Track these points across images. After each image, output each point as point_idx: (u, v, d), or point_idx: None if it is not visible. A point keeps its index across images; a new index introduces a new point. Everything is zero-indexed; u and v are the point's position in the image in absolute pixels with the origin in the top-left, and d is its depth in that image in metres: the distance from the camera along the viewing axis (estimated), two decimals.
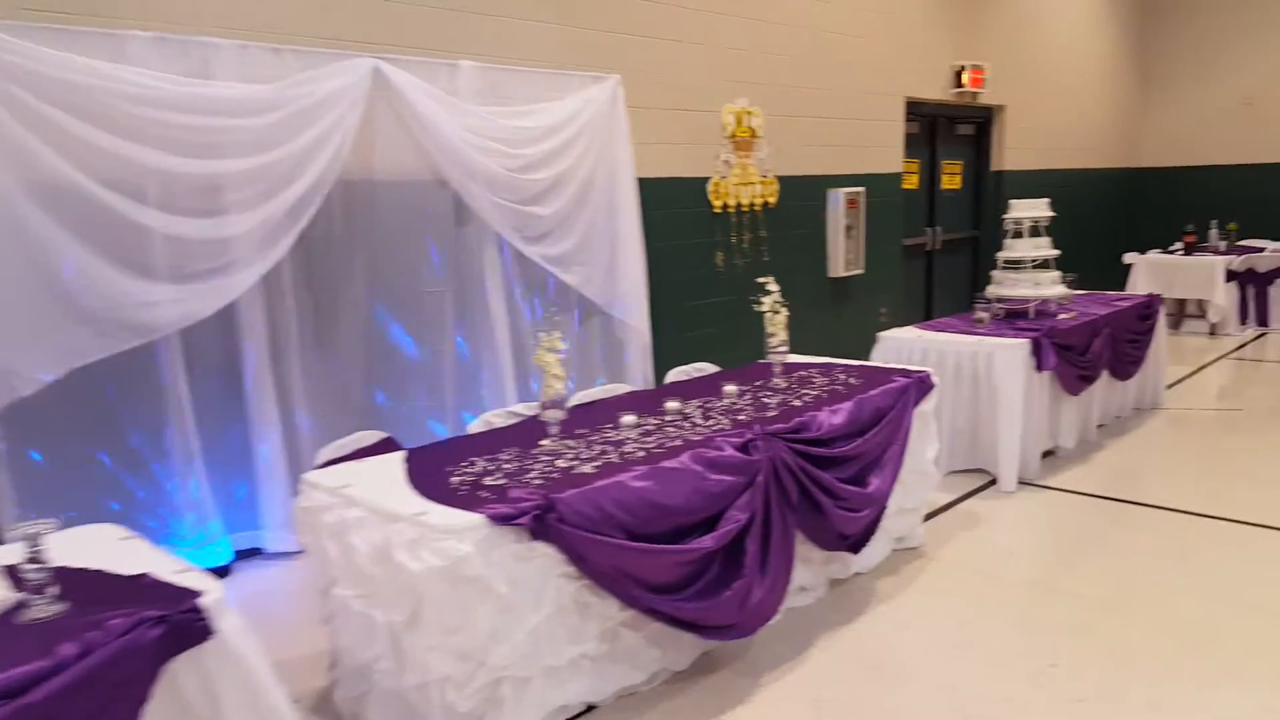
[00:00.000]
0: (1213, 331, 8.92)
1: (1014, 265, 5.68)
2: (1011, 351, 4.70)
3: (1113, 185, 11.72)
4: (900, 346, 5.07)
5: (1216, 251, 9.34)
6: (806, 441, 3.28)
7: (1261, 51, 11.20)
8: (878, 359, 5.13)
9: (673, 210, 5.99)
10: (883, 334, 5.18)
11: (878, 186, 7.64)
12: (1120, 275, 9.41)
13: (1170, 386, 6.92)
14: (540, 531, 2.38)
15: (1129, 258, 9.28)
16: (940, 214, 8.89)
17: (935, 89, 8.26)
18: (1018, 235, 5.66)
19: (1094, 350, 5.31)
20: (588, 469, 2.75)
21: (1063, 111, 10.29)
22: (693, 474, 2.79)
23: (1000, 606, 3.50)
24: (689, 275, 6.15)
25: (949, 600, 3.57)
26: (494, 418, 3.61)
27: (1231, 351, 8.25)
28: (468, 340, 4.79)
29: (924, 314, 8.81)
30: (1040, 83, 9.78)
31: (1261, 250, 9.51)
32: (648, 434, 3.17)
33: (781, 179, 6.73)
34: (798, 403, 3.58)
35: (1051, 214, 5.66)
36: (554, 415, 3.01)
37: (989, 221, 9.32)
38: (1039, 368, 4.82)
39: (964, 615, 3.44)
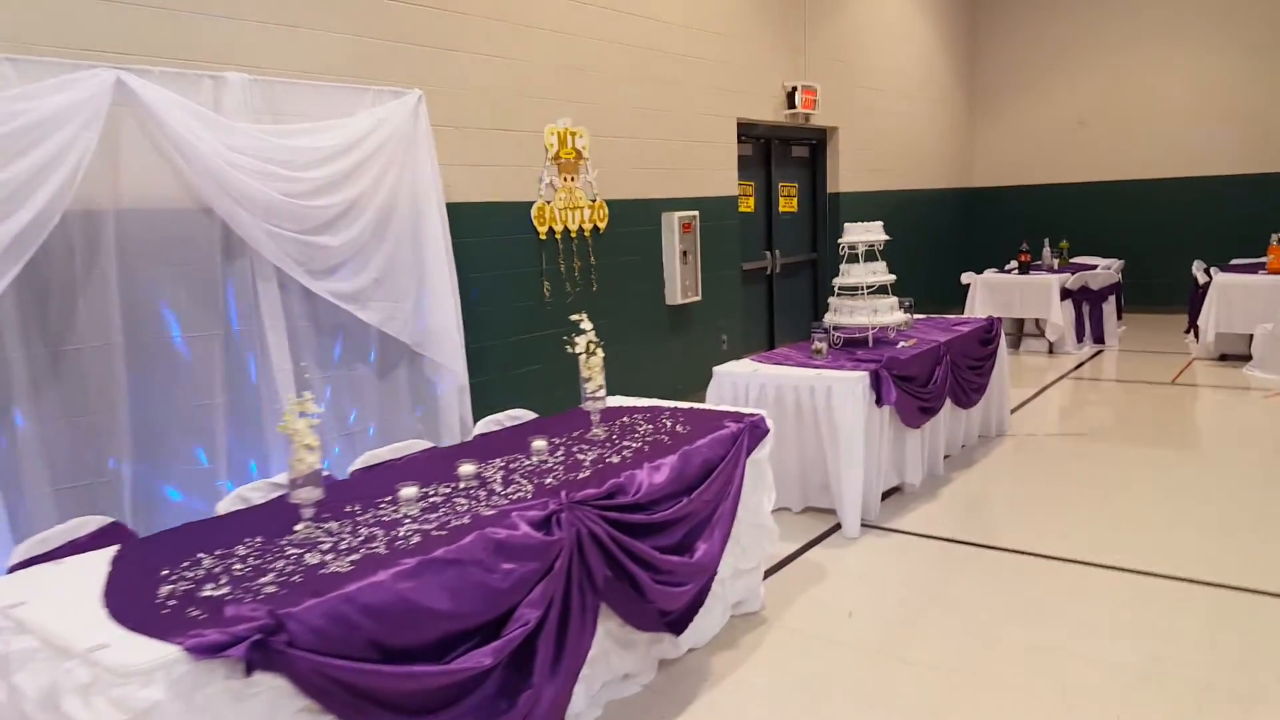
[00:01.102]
0: (1051, 350, 9.26)
1: (850, 291, 5.59)
2: (849, 385, 4.54)
3: (948, 205, 12.16)
4: (736, 381, 4.85)
5: (1050, 269, 9.74)
6: (622, 508, 2.94)
7: (1088, 72, 11.91)
8: (714, 395, 4.89)
9: (493, 237, 5.61)
10: (718, 369, 4.94)
11: (713, 210, 7.51)
12: (959, 295, 9.67)
13: (1014, 410, 7.03)
14: (262, 661, 1.91)
15: (966, 278, 9.55)
16: (779, 237, 8.88)
17: (768, 110, 8.24)
18: (853, 260, 5.56)
19: (936, 380, 5.25)
20: (342, 565, 2.30)
21: (895, 132, 10.57)
22: (475, 565, 2.39)
23: (848, 684, 3.25)
24: (513, 307, 5.77)
25: (792, 677, 3.30)
26: (251, 492, 3.10)
27: (1071, 371, 8.55)
28: (241, 392, 4.22)
29: (767, 338, 8.75)
30: (871, 104, 10.00)
31: (1094, 268, 9.99)
32: (431, 509, 2.75)
33: (611, 203, 6.47)
34: (616, 459, 3.24)
35: (886, 237, 5.60)
36: (307, 495, 2.54)
37: (828, 244, 9.39)
38: (879, 402, 4.69)
39: (809, 695, 3.17)
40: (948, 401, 5.51)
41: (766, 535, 3.78)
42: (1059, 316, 9.10)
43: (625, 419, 3.80)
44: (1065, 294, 9.25)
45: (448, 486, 2.98)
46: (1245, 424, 6.55)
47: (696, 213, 7.19)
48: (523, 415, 4.08)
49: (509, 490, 2.92)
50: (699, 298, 7.25)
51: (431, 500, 2.82)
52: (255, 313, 4.20)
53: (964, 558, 4.33)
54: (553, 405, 6.00)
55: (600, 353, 3.55)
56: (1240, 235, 10.69)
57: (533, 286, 5.91)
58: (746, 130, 8.13)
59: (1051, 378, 8.27)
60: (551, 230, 5.99)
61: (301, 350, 4.39)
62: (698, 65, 7.31)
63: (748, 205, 8.44)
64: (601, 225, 6.39)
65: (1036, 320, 9.40)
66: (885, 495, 5.07)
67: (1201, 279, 8.93)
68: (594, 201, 6.31)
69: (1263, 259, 9.08)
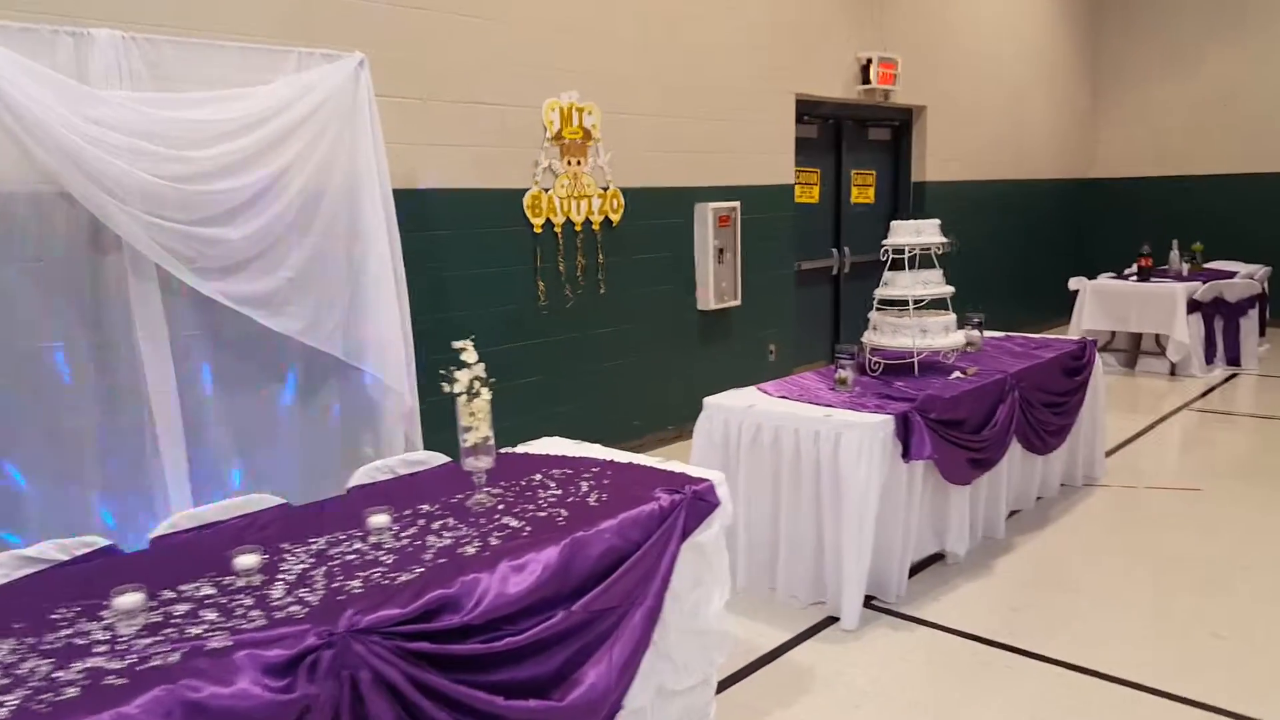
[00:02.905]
0: (1173, 372, 7.78)
1: (895, 305, 4.47)
2: (866, 434, 3.47)
3: (1062, 199, 10.63)
4: (729, 418, 3.84)
5: (1178, 276, 8.22)
6: (442, 634, 2.03)
7: (1236, 42, 10.15)
8: (701, 433, 3.92)
9: (472, 230, 4.76)
10: (710, 400, 3.94)
11: (762, 200, 6.45)
12: (1071, 304, 8.25)
13: (1115, 451, 5.74)
14: None
15: (1075, 283, 8.13)
16: (849, 233, 7.72)
17: (836, 85, 7.09)
18: (898, 266, 4.44)
19: (996, 423, 4.10)
20: None
21: (996, 113, 9.17)
22: None
23: None
24: (498, 312, 4.92)
25: None
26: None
27: (1195, 399, 7.10)
28: (111, 416, 3.50)
29: (829, 349, 7.62)
30: (967, 80, 8.66)
31: (1231, 275, 8.40)
32: (145, 632, 1.90)
33: (629, 191, 5.52)
34: (474, 548, 2.33)
35: (942, 239, 4.45)
36: None
37: None
38: (908, 456, 3.60)
39: None
40: (1014, 447, 4.35)
41: (715, 643, 2.79)
42: (1184, 333, 7.61)
43: (535, 477, 2.87)
44: (1194, 306, 7.74)
45: (211, 586, 2.13)
46: None
47: (738, 204, 6.16)
48: (427, 460, 3.20)
49: (288, 600, 2.05)
50: (738, 302, 6.22)
51: (148, 620, 1.96)
52: (127, 320, 3.47)
53: (1003, 669, 3.22)
54: (552, 427, 5.13)
55: (487, 394, 2.64)
56: None
57: (523, 288, 5.04)
58: (810, 109, 7.01)
59: (1170, 407, 6.86)
60: (550, 223, 5.10)
61: (191, 366, 3.64)
62: (745, 31, 6.24)
63: (810, 195, 7.32)
64: (615, 217, 5.45)
65: (1157, 336, 7.92)
66: (920, 567, 3.99)
67: None
68: (606, 190, 5.38)
69: None
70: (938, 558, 4.09)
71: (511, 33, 4.86)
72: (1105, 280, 8.16)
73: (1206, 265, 8.87)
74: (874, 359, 4.42)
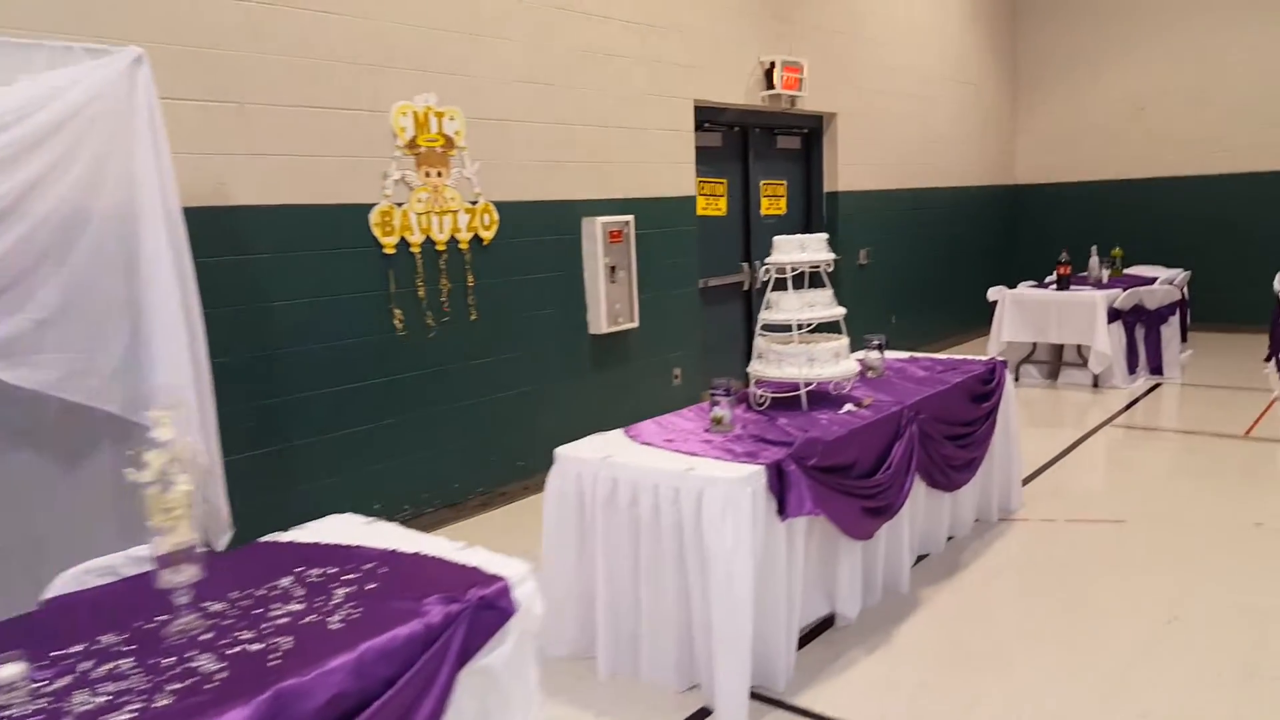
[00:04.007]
0: (1096, 384, 7.23)
1: (779, 330, 3.80)
2: (730, 490, 2.78)
3: (983, 207, 10.12)
4: (582, 472, 3.12)
5: (1098, 284, 7.70)
6: None
7: (1151, 48, 9.73)
8: (553, 493, 3.19)
9: (302, 252, 4.00)
10: (562, 451, 3.22)
11: (659, 213, 5.77)
12: (991, 313, 7.69)
13: (1035, 475, 5.15)
14: None
15: (994, 293, 7.57)
16: (761, 246, 7.05)
17: (738, 91, 6.44)
18: (782, 287, 3.77)
19: (891, 464, 3.44)
20: None
21: (912, 120, 8.62)
22: None
23: None
24: (341, 346, 4.16)
25: None
26: None
27: (1118, 413, 6.55)
28: None
29: (744, 369, 6.96)
30: (881, 86, 8.08)
31: (1151, 281, 7.90)
32: None
33: (504, 206, 4.80)
34: (125, 717, 1.58)
35: (830, 256, 3.80)
36: None
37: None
38: (784, 513, 2.92)
39: None
40: (916, 486, 3.70)
41: None
42: (1105, 343, 7.07)
43: (282, 582, 2.13)
44: (1115, 314, 7.21)
45: None
46: None
47: (632, 217, 5.47)
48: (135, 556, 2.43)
49: None
50: (635, 324, 5.53)
51: None
52: None
53: None
54: (400, 488, 4.40)
55: (186, 482, 1.89)
56: None
57: (375, 317, 4.28)
58: (712, 116, 6.36)
59: (1092, 423, 6.30)
60: (405, 242, 4.36)
61: None
62: (636, 31, 5.57)
63: (716, 207, 6.66)
64: (487, 235, 4.72)
65: (1079, 347, 7.38)
66: (813, 634, 3.31)
67: None
68: (475, 204, 4.65)
69: None
70: (827, 625, 3.42)
71: (351, 26, 4.11)
72: (1024, 289, 7.62)
73: (1126, 271, 8.38)
74: (759, 392, 3.74)
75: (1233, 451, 5.59)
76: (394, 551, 2.21)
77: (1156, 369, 7.51)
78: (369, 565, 2.14)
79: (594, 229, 5.23)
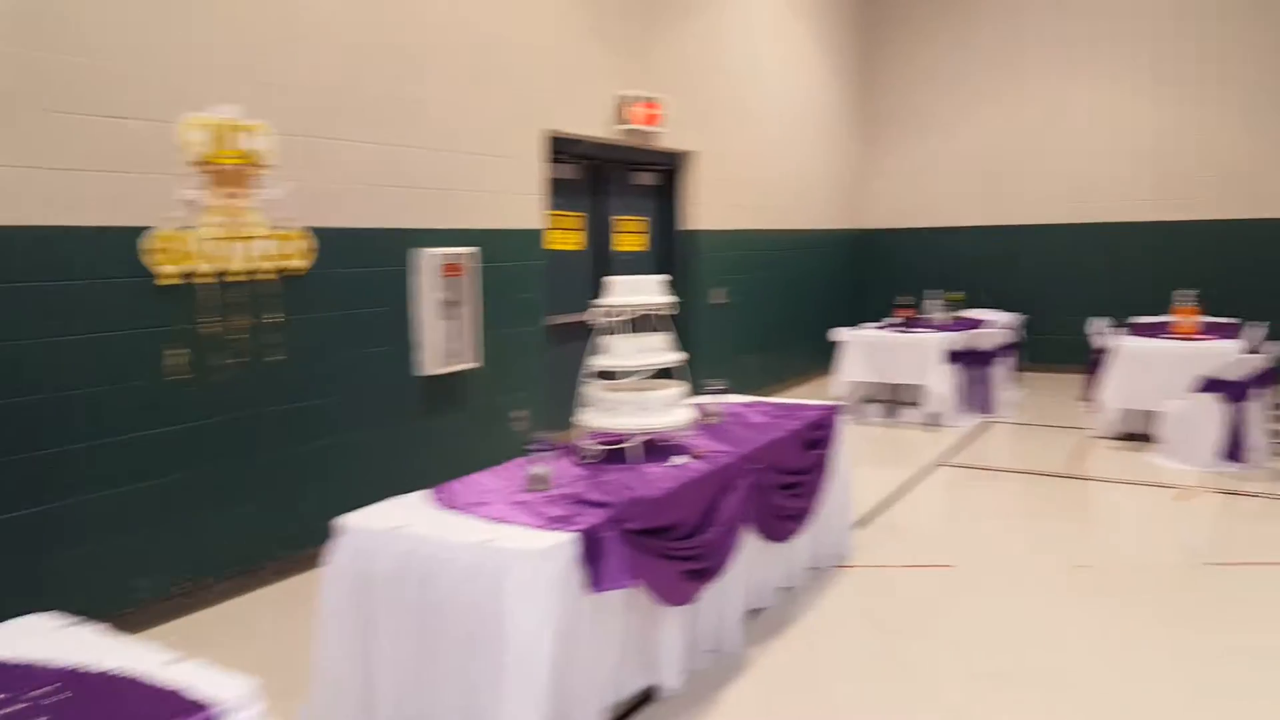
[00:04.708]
0: (930, 423, 7.29)
1: (615, 377, 3.51)
2: (533, 567, 2.44)
3: (836, 250, 10.25)
4: (368, 548, 2.69)
5: (936, 326, 7.81)
6: None
7: (994, 109, 10.10)
8: (333, 574, 2.74)
9: (55, 282, 3.42)
10: (345, 520, 2.78)
11: (505, 246, 5.41)
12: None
13: (870, 517, 5.03)
14: None
15: (837, 334, 7.56)
16: None
17: (594, 123, 6.19)
18: (623, 330, 3.48)
19: (719, 521, 3.18)
20: None
21: (771, 163, 8.61)
22: None
23: None
24: (105, 391, 3.57)
25: None
26: None
27: (950, 453, 6.58)
28: None
29: None
30: (739, 128, 8.02)
31: (987, 324, 8.08)
32: None
33: (323, 232, 4.33)
34: None
35: (667, 299, 3.53)
36: None
37: (683, 292, 7.33)
38: (597, 585, 2.59)
39: None
40: (748, 537, 3.45)
41: None
42: (940, 383, 7.15)
43: None
44: (951, 356, 7.31)
45: None
46: (1156, 543, 4.62)
47: (475, 249, 5.09)
48: None
49: None
50: (476, 364, 5.13)
51: None
52: None
53: None
54: (184, 547, 3.82)
55: None
56: (1147, 288, 8.92)
57: (150, 358, 3.70)
58: (567, 147, 6.06)
59: (925, 462, 6.30)
60: (192, 272, 3.81)
61: None
62: (484, 51, 5.22)
63: (570, 242, 6.36)
64: (300, 265, 4.23)
65: (916, 387, 7.43)
66: (629, 712, 2.99)
67: (1100, 341, 7.07)
68: (283, 231, 4.15)
69: (1167, 318, 7.28)
70: (645, 700, 3.11)
71: (124, 23, 3.57)
72: (866, 331, 7.65)
73: (964, 314, 8.57)
74: (588, 445, 3.42)
75: (1055, 490, 5.67)
76: (78, 671, 1.74)
77: (988, 408, 7.66)
78: (39, 693, 1.67)
79: (427, 261, 4.82)
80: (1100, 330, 7.46)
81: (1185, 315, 6.92)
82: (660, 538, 2.88)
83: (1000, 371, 7.92)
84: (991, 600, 3.96)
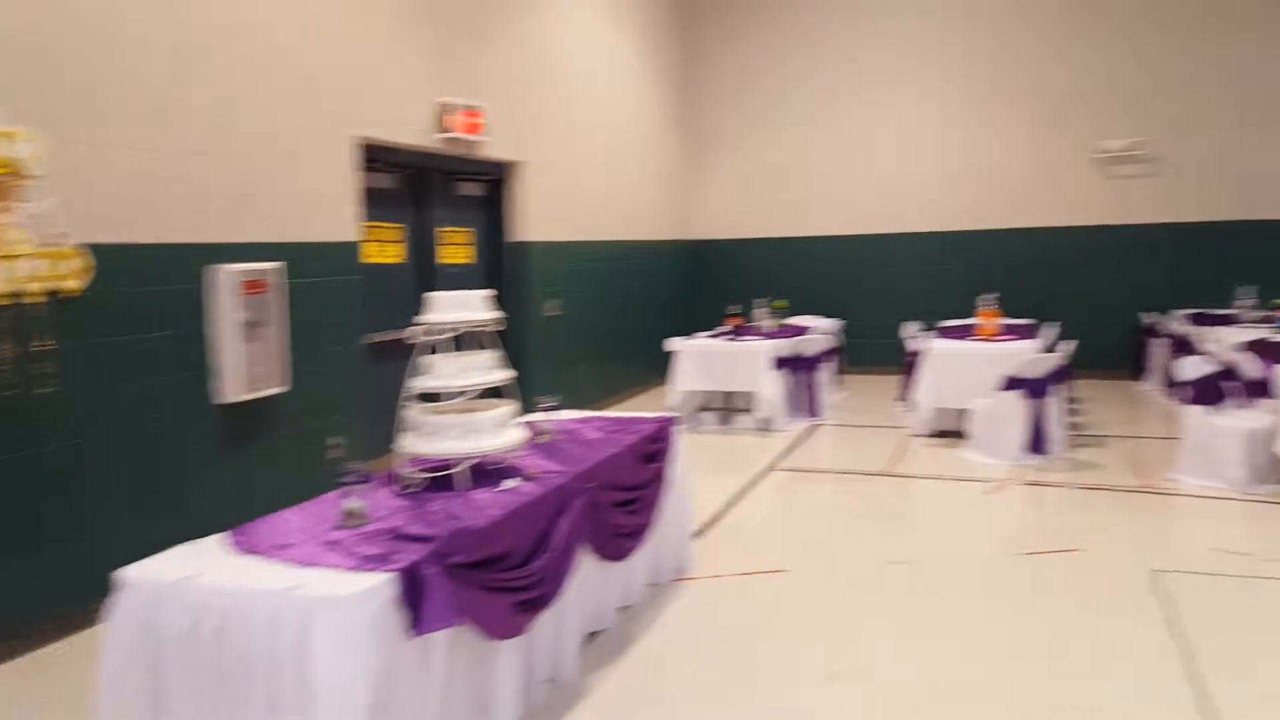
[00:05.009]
0: (761, 428, 7.52)
1: (439, 399, 3.35)
2: (346, 614, 2.25)
3: (668, 260, 10.44)
4: (154, 601, 2.40)
5: (764, 334, 8.07)
6: None
7: (805, 121, 10.60)
8: (115, 632, 2.44)
9: None
10: (127, 573, 2.48)
11: (315, 261, 5.09)
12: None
13: (708, 526, 5.09)
14: None
15: (671, 344, 7.67)
16: None
17: (411, 131, 5.96)
18: (447, 348, 3.32)
19: (554, 547, 3.09)
20: None
21: (600, 174, 8.65)
22: None
23: None
24: None
25: None
26: None
27: (781, 456, 6.81)
28: None
29: None
30: (568, 138, 8.01)
31: (810, 331, 8.43)
32: None
33: (102, 249, 3.90)
34: None
35: (494, 314, 3.41)
36: None
37: (514, 304, 7.20)
38: (418, 628, 2.43)
39: None
40: (584, 560, 3.38)
41: None
42: (770, 389, 7.39)
43: None
44: (779, 362, 7.57)
45: None
46: (973, 535, 4.94)
47: (280, 264, 4.74)
48: None
49: None
50: (284, 388, 4.78)
51: None
52: None
53: None
54: None
55: None
56: (954, 293, 9.61)
57: None
58: (383, 155, 5.80)
59: (759, 467, 6.47)
60: None
61: None
62: (286, 52, 4.89)
63: (389, 254, 6.09)
64: (74, 286, 3.79)
65: (747, 394, 7.65)
66: None
67: (912, 345, 7.55)
68: (53, 248, 3.70)
69: (972, 321, 7.87)
70: None
71: None
72: (699, 340, 7.81)
73: (789, 321, 8.91)
74: (409, 473, 3.24)
75: (878, 489, 5.96)
76: None
77: (813, 412, 7.99)
78: None
79: (225, 278, 4.45)
80: (912, 334, 7.97)
81: (988, 318, 7.49)
82: (489, 570, 2.75)
83: (824, 376, 8.29)
84: (825, 602, 4.08)
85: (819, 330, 8.60)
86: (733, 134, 10.93)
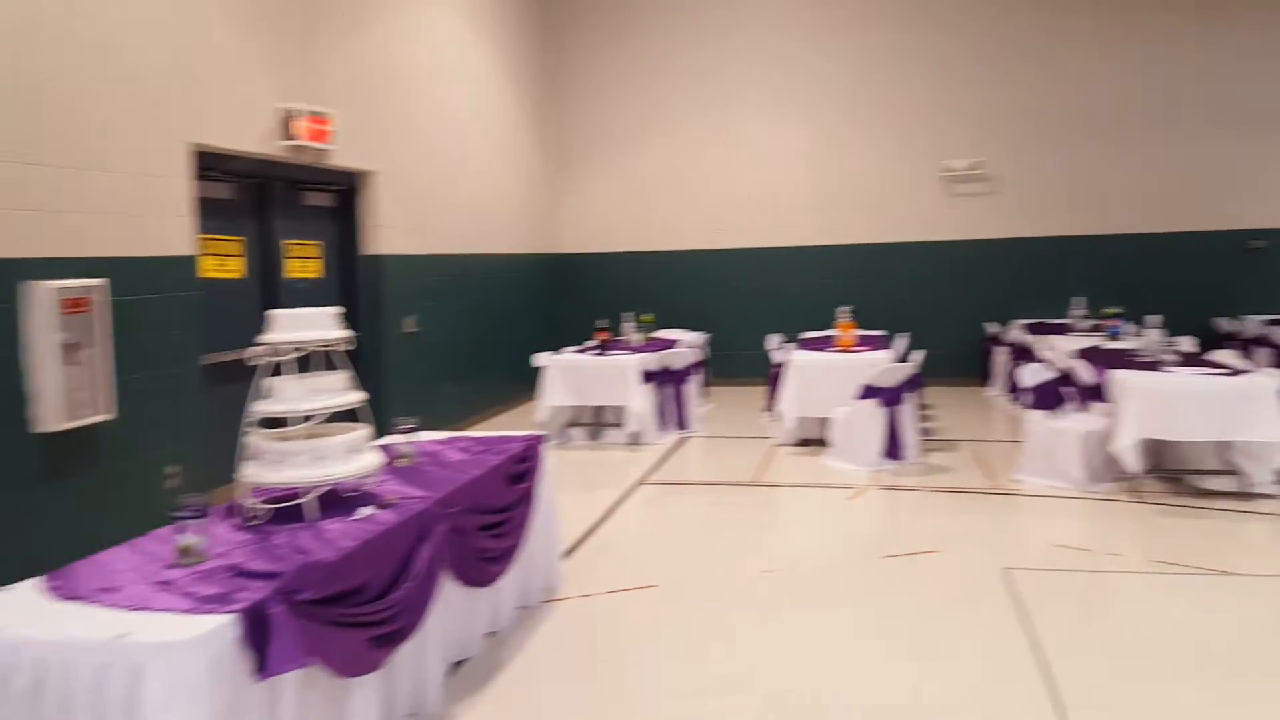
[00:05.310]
0: (633, 443, 7.55)
1: (285, 424, 3.18)
2: (178, 660, 2.08)
3: (533, 273, 10.38)
4: None
5: (632, 348, 8.12)
6: None
7: (670, 137, 10.79)
8: None
9: None
10: None
11: (144, 276, 4.76)
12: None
13: (579, 543, 5.06)
14: None
15: (539, 360, 7.60)
16: None
17: (251, 138, 5.67)
18: (292, 370, 3.15)
19: (413, 576, 2.97)
20: None
21: (460, 186, 8.52)
22: None
23: None
24: None
25: None
26: None
27: (652, 470, 6.86)
28: None
29: None
30: (425, 149, 7.84)
31: (675, 344, 8.55)
32: None
33: None
34: None
35: (343, 333, 3.27)
36: None
37: (369, 321, 6.97)
38: (264, 671, 2.28)
39: None
40: (448, 586, 3.28)
41: None
42: (640, 403, 7.44)
43: None
44: (647, 375, 7.63)
45: None
46: (834, 540, 5.11)
47: (104, 281, 4.39)
48: None
49: None
50: (110, 415, 4.41)
51: None
52: None
53: None
54: None
55: None
56: (815, 306, 9.99)
57: None
58: (220, 164, 5.48)
59: (630, 481, 6.50)
60: None
61: None
62: (111, 51, 4.55)
63: (229, 269, 5.76)
64: None
65: (617, 408, 7.67)
66: None
67: (776, 357, 7.79)
68: None
69: (831, 332, 8.19)
70: None
71: None
72: (567, 355, 7.78)
73: (657, 335, 9.02)
74: (252, 504, 3.05)
75: (746, 499, 6.09)
76: None
77: (682, 424, 8.10)
78: None
79: (41, 296, 4.08)
80: (776, 346, 8.22)
81: (845, 330, 7.82)
82: (342, 604, 2.62)
83: (692, 388, 8.43)
84: (696, 615, 4.12)
85: (686, 343, 8.74)
86: (599, 147, 11.00)
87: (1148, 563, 4.63)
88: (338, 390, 3.25)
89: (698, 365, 8.79)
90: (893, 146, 10.35)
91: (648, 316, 8.91)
